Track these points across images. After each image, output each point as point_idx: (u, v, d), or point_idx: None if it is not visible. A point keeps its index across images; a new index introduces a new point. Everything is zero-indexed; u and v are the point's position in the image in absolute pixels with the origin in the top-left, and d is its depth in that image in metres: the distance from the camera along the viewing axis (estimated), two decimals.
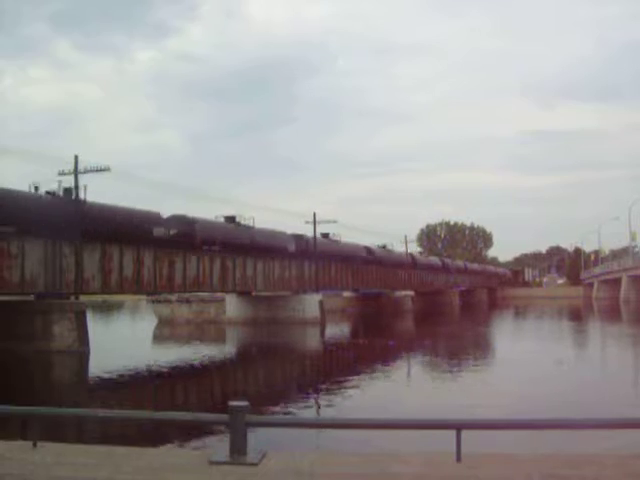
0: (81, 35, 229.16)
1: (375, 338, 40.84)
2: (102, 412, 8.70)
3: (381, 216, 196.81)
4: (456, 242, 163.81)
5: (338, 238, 68.81)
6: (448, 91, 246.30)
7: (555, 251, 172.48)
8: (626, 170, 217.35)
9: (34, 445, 6.37)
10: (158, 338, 49.92)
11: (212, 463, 6.05)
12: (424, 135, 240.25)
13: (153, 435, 11.47)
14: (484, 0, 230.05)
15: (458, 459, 6.16)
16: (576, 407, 15.91)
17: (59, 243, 35.03)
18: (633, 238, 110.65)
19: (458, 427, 6.29)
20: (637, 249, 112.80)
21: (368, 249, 77.52)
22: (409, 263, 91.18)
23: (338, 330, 57.12)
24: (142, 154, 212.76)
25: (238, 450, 6.10)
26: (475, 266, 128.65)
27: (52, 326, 33.58)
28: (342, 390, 22.30)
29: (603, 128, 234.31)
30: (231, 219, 52.45)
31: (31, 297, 35.76)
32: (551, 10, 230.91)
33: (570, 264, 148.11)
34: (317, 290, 59.75)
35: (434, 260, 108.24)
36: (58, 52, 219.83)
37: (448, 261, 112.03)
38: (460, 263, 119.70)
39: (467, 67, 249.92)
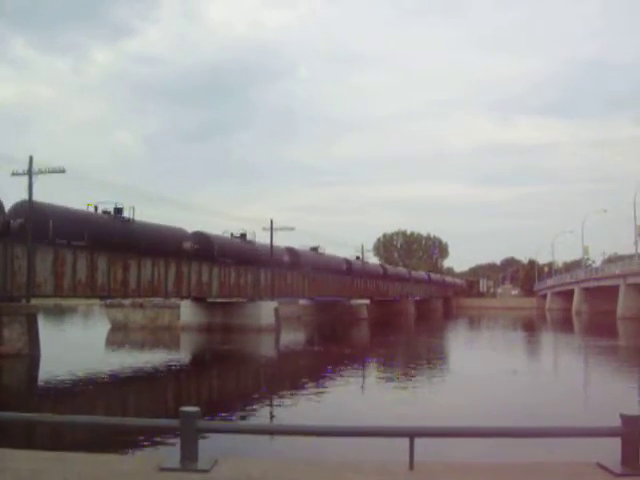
0: (38, 34, 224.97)
1: (330, 346, 40.79)
2: (52, 417, 8.49)
3: (337, 224, 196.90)
4: (412, 252, 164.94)
5: (324, 251, 77.23)
6: (407, 102, 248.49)
7: (510, 262, 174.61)
8: (581, 184, 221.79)
9: None
10: (111, 344, 49.21)
11: (162, 470, 5.95)
12: (382, 146, 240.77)
13: (104, 441, 11.28)
14: (446, 13, 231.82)
15: (411, 467, 6.14)
16: (529, 416, 16.10)
17: (11, 245, 34.37)
18: (585, 251, 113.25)
19: (411, 435, 6.27)
20: (589, 262, 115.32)
21: (348, 261, 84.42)
22: (381, 274, 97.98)
23: (293, 337, 56.96)
24: (97, 156, 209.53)
25: (189, 456, 6.00)
26: (437, 277, 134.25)
27: (2, 329, 32.85)
28: (294, 398, 22.26)
29: (559, 143, 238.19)
30: (243, 236, 60.21)
31: None
32: (509, 26, 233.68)
33: (524, 276, 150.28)
34: (273, 297, 59.67)
35: (402, 271, 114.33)
36: (14, 51, 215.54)
37: (414, 272, 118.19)
38: (423, 273, 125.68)
39: (427, 79, 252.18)
